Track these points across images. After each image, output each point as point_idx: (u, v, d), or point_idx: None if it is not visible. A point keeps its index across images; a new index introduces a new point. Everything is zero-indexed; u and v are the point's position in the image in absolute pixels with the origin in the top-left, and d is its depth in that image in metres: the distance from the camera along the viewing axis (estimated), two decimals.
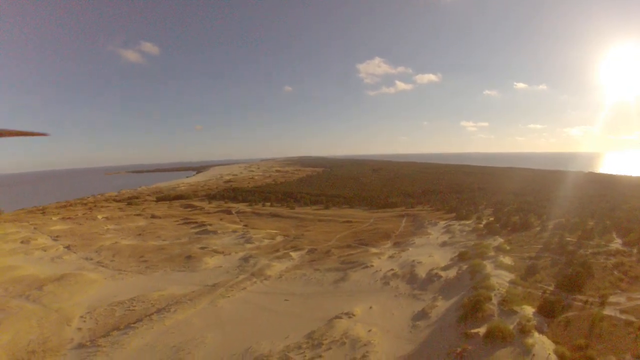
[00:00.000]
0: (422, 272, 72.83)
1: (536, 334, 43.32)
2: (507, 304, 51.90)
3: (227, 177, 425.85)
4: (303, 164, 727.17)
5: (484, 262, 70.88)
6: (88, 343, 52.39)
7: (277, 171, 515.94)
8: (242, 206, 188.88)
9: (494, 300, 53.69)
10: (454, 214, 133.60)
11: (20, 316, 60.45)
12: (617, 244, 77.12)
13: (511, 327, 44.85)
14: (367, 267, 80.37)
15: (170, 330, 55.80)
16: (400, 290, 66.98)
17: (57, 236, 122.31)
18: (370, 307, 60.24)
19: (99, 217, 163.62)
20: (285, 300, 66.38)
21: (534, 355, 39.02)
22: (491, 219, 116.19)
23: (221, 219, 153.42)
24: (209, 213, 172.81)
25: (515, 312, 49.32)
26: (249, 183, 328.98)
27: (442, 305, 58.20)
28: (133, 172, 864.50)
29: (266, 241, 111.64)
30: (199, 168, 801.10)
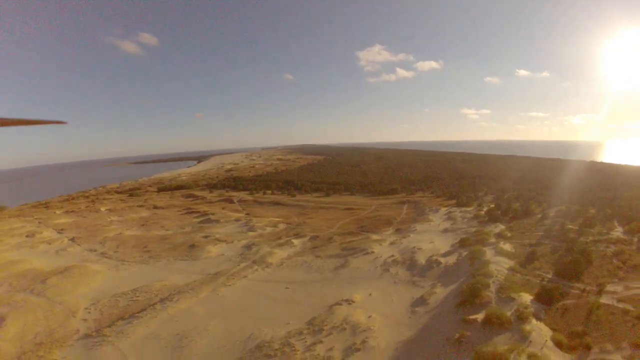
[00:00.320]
0: (422, 259, 73.45)
1: (534, 321, 43.96)
2: (505, 291, 52.57)
3: (228, 166, 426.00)
4: (304, 152, 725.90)
5: (484, 249, 71.56)
6: (93, 333, 53.27)
7: (279, 159, 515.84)
8: (243, 195, 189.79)
9: (492, 288, 54.39)
10: (455, 201, 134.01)
11: (25, 309, 61.28)
12: (618, 232, 77.51)
13: (509, 313, 45.53)
14: (367, 253, 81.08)
15: (173, 319, 56.64)
16: (400, 277, 67.65)
17: (61, 229, 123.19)
18: (370, 294, 60.97)
19: (102, 209, 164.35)
20: (286, 287, 67.16)
21: (531, 341, 39.64)
22: (492, 206, 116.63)
23: (223, 208, 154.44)
24: (211, 202, 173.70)
25: (513, 299, 49.94)
26: (250, 172, 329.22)
27: (441, 291, 58.87)
28: (134, 163, 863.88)
29: (269, 229, 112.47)
30: (200, 157, 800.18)
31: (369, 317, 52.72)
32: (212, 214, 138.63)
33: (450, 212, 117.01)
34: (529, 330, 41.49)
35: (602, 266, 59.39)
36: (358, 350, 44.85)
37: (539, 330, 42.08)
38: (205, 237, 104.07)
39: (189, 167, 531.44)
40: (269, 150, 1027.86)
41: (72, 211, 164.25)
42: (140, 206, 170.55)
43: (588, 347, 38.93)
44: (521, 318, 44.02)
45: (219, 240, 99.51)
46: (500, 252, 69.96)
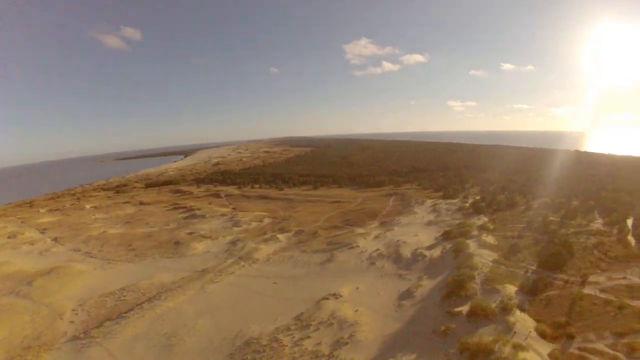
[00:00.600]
0: (407, 252, 74.26)
1: (518, 312, 44.84)
2: (489, 283, 53.52)
3: (216, 160, 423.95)
4: (291, 144, 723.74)
5: (468, 242, 72.47)
6: (81, 335, 53.12)
7: (266, 152, 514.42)
8: (231, 189, 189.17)
9: (477, 280, 55.32)
10: (441, 193, 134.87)
11: (12, 313, 60.83)
12: (598, 223, 79.23)
13: (493, 305, 46.36)
14: (353, 247, 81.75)
15: (161, 317, 56.72)
16: (386, 270, 68.40)
17: (44, 229, 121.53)
18: (357, 288, 61.60)
19: (87, 206, 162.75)
20: (274, 283, 67.51)
21: (515, 332, 40.43)
22: (477, 197, 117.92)
23: (210, 203, 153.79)
24: (198, 197, 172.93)
25: (497, 291, 50.83)
26: (237, 165, 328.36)
27: (426, 284, 59.65)
28: (120, 159, 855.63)
29: (254, 224, 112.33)
30: (187, 152, 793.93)
31: (356, 311, 53.37)
32: (198, 209, 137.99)
33: (435, 204, 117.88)
34: (513, 322, 42.28)
35: (584, 257, 60.84)
36: (346, 344, 45.45)
37: (523, 321, 42.95)
38: (190, 233, 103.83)
39: (175, 161, 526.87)
40: (256, 142, 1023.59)
41: (57, 209, 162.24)
42: (126, 202, 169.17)
43: (571, 337, 39.94)
44: (506, 309, 44.82)
45: (203, 236, 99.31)
46: (483, 245, 70.98)
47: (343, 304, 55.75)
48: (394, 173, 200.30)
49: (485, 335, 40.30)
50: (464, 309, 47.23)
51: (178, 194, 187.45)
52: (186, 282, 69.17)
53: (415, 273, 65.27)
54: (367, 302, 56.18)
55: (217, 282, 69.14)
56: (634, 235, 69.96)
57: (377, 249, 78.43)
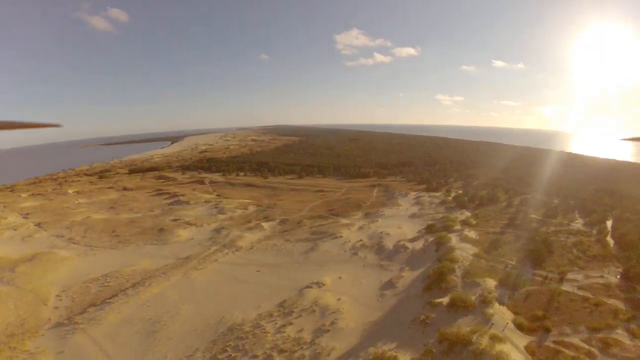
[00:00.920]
0: (389, 244, 75.51)
1: (496, 305, 46.14)
2: (470, 276, 54.99)
3: (202, 147, 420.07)
4: (280, 133, 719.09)
5: (450, 235, 73.94)
6: (65, 321, 53.03)
7: (253, 140, 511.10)
8: (216, 176, 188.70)
9: (458, 272, 56.79)
10: (424, 186, 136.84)
11: None
12: (578, 223, 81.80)
13: (473, 297, 47.68)
14: (336, 237, 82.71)
15: (145, 303, 56.94)
16: (369, 261, 69.49)
17: (27, 213, 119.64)
18: (340, 277, 62.53)
19: (70, 191, 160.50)
20: (257, 271, 68.12)
21: (493, 324, 41.65)
22: (460, 192, 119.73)
23: (194, 190, 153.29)
24: (182, 184, 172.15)
25: (477, 284, 52.31)
26: (224, 153, 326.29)
27: (408, 275, 60.89)
28: (105, 144, 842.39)
29: (239, 211, 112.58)
30: (174, 138, 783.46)
31: (339, 299, 54.32)
32: (182, 195, 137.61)
33: (419, 197, 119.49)
34: (492, 314, 43.54)
35: (563, 255, 63.00)
36: (327, 331, 46.36)
37: (501, 314, 44.26)
38: (175, 220, 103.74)
39: (162, 148, 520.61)
40: (244, 130, 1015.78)
41: (39, 194, 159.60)
42: (110, 188, 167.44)
43: (547, 330, 41.40)
44: (485, 302, 46.12)
45: (188, 223, 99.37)
46: (465, 239, 72.69)
47: (326, 292, 56.68)
48: (380, 165, 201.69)
49: (463, 325, 41.48)
50: (444, 300, 48.42)
51: (162, 180, 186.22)
52: (170, 269, 69.32)
53: (397, 264, 66.46)
54: (349, 291, 57.14)
55: (201, 269, 69.43)
56: (613, 237, 72.15)
57: (361, 240, 79.55)
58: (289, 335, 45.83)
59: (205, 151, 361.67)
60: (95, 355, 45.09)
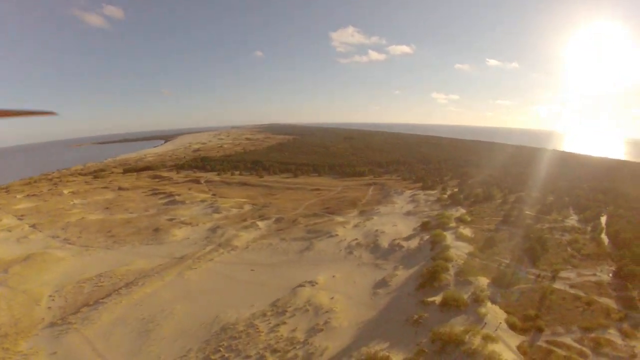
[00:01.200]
0: (384, 242, 75.74)
1: (489, 304, 46.29)
2: (463, 275, 55.06)
3: (196, 146, 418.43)
4: (274, 131, 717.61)
5: (445, 233, 74.15)
6: (59, 321, 52.88)
7: (247, 139, 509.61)
8: (211, 175, 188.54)
9: (451, 271, 56.86)
10: (420, 184, 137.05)
11: None
12: (573, 220, 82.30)
13: (466, 296, 47.77)
14: (332, 236, 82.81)
15: (139, 303, 56.91)
16: (363, 260, 69.68)
17: (22, 215, 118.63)
18: (334, 276, 62.62)
19: (65, 192, 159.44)
20: (252, 270, 68.15)
21: (486, 323, 41.75)
22: (455, 190, 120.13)
23: (189, 189, 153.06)
24: (177, 183, 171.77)
25: (470, 283, 52.46)
26: (217, 152, 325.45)
27: (402, 274, 61.03)
28: (99, 143, 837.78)
29: (234, 210, 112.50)
30: (167, 137, 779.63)
31: (332, 298, 54.45)
32: (178, 194, 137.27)
33: (414, 195, 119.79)
34: (484, 313, 43.67)
35: (557, 253, 63.52)
36: (320, 330, 46.43)
37: (494, 313, 44.38)
38: (170, 219, 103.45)
39: (155, 147, 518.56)
40: (238, 129, 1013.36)
41: (34, 195, 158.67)
42: (105, 188, 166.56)
43: (540, 330, 41.56)
44: (477, 301, 46.22)
45: (184, 223, 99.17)
46: (460, 237, 72.96)
47: (319, 291, 56.79)
48: (375, 164, 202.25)
49: (456, 325, 41.50)
50: (437, 299, 48.52)
51: (157, 180, 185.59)
52: (164, 269, 69.29)
53: (392, 263, 66.66)
54: (342, 290, 57.26)
55: (196, 268, 69.40)
56: (607, 234, 72.58)
57: (356, 239, 79.74)
58: (282, 335, 45.91)
59: (198, 150, 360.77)
60: (89, 356, 44.99)
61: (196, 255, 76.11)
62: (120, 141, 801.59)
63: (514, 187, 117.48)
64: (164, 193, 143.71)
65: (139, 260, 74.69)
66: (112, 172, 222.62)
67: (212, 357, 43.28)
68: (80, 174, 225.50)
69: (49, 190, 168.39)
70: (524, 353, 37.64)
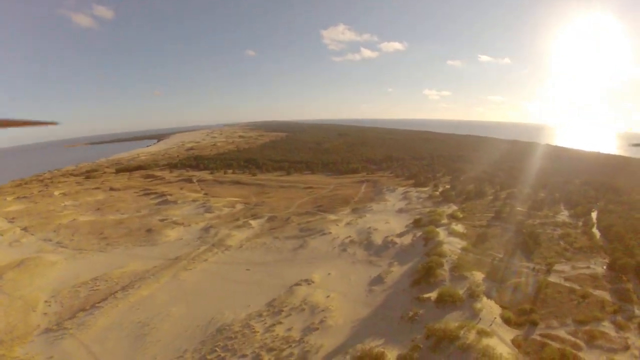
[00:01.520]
0: (378, 239, 76.06)
1: (484, 299, 46.91)
2: (458, 270, 55.54)
3: (189, 145, 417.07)
4: (267, 129, 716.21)
5: (438, 229, 74.76)
6: (55, 327, 52.56)
7: (240, 137, 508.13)
8: (204, 174, 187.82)
9: (446, 267, 57.34)
10: (412, 181, 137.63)
11: None
12: (564, 215, 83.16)
13: (461, 292, 48.35)
14: (325, 234, 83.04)
15: (135, 306, 56.77)
16: (357, 257, 69.96)
17: (12, 218, 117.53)
18: (329, 274, 62.92)
19: (56, 193, 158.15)
20: (247, 269, 68.24)
21: (481, 318, 42.38)
22: (447, 186, 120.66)
23: (182, 188, 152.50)
24: (169, 182, 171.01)
25: (465, 278, 53.00)
26: (211, 150, 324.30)
27: (397, 270, 61.44)
28: (91, 143, 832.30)
29: (226, 210, 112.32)
30: (160, 136, 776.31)
31: (328, 296, 54.69)
32: (170, 194, 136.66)
33: (406, 192, 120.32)
34: (480, 308, 44.30)
35: (550, 247, 64.40)
36: (316, 329, 46.65)
37: (489, 308, 45.00)
38: (162, 220, 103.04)
39: (148, 146, 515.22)
40: (231, 127, 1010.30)
41: (25, 197, 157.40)
42: (97, 188, 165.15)
43: (535, 324, 42.22)
44: (472, 296, 46.84)
45: (176, 223, 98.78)
46: (452, 233, 73.64)
47: (315, 289, 57.06)
48: (368, 161, 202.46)
49: (451, 321, 41.97)
50: (432, 295, 49.06)
51: (150, 179, 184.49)
52: (159, 270, 69.06)
53: (386, 259, 66.96)
54: (338, 288, 57.54)
55: (190, 269, 69.32)
56: (598, 228, 73.38)
57: (349, 236, 79.96)
58: (278, 335, 46.08)
59: (192, 149, 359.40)
60: None
61: (190, 256, 75.98)
62: (114, 141, 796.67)
63: (506, 183, 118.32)
64: (155, 193, 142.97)
65: (133, 262, 74.41)
66: (105, 172, 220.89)
67: (208, 357, 43.41)
68: (72, 175, 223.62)
69: (39, 191, 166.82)
70: (518, 346, 38.20)
